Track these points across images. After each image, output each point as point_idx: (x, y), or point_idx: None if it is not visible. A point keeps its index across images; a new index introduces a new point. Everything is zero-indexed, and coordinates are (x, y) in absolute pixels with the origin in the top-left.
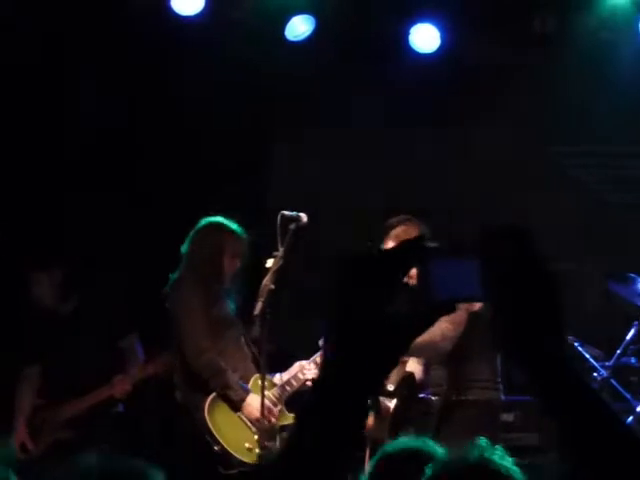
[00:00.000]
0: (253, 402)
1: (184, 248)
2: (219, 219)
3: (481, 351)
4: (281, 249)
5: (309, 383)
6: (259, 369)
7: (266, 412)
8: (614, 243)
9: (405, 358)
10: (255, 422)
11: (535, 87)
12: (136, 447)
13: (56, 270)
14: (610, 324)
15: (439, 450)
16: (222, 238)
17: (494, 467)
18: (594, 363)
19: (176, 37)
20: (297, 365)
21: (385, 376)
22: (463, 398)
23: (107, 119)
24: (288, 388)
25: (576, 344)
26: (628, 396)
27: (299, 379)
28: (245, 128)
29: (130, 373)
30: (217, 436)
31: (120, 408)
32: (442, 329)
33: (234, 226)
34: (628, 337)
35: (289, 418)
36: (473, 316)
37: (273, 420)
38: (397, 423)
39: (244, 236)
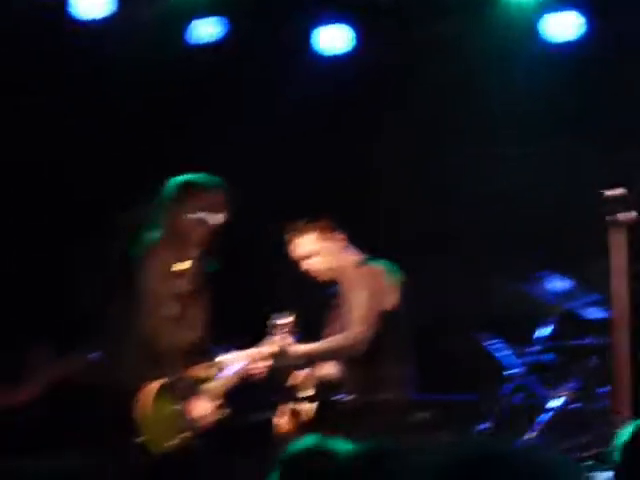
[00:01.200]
0: (197, 402)
1: (153, 210)
2: (191, 176)
3: (393, 350)
4: (193, 250)
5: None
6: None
7: (204, 411)
8: (524, 243)
9: (319, 363)
10: (191, 421)
11: (444, 88)
12: (49, 450)
13: None
14: (523, 322)
15: (342, 446)
16: (196, 197)
17: (398, 462)
18: (508, 361)
19: (79, 42)
20: (246, 355)
21: None
22: (376, 398)
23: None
24: (232, 381)
25: (490, 342)
26: (542, 393)
27: (245, 372)
28: (148, 129)
29: (35, 379)
30: (146, 427)
31: (32, 413)
32: (355, 333)
33: (210, 182)
34: (541, 334)
35: (224, 413)
36: (385, 316)
37: (208, 421)
38: (315, 427)
39: (221, 192)
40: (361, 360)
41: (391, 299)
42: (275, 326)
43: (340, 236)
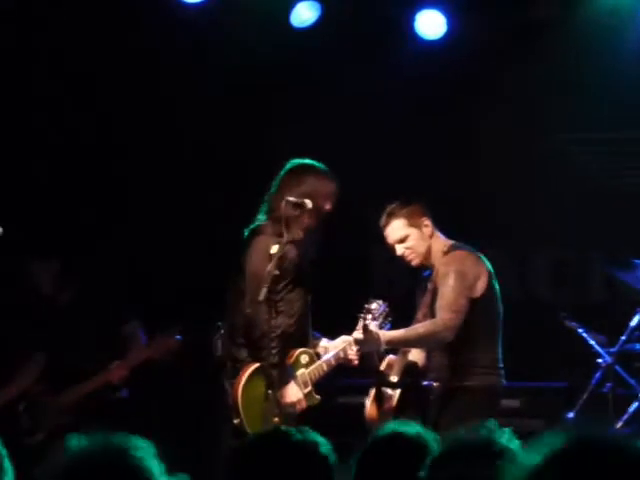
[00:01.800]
0: (290, 388)
1: (270, 192)
2: (298, 160)
3: (482, 337)
4: (286, 235)
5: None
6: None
7: (296, 397)
8: (617, 230)
9: (407, 349)
10: (283, 406)
11: (540, 73)
12: (140, 431)
13: (54, 259)
14: (614, 310)
15: (428, 435)
16: (297, 181)
17: (501, 448)
18: (598, 349)
19: (181, 24)
20: (341, 341)
21: None
22: (464, 384)
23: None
24: (326, 368)
25: (580, 330)
26: (632, 382)
27: (339, 358)
28: (247, 113)
29: (127, 358)
30: (241, 410)
31: (123, 393)
32: (444, 319)
33: (313, 167)
34: (632, 323)
35: (315, 400)
36: (474, 303)
37: (299, 407)
38: (401, 413)
39: (323, 178)
40: (449, 346)
41: (480, 285)
42: (368, 311)
43: (429, 221)
